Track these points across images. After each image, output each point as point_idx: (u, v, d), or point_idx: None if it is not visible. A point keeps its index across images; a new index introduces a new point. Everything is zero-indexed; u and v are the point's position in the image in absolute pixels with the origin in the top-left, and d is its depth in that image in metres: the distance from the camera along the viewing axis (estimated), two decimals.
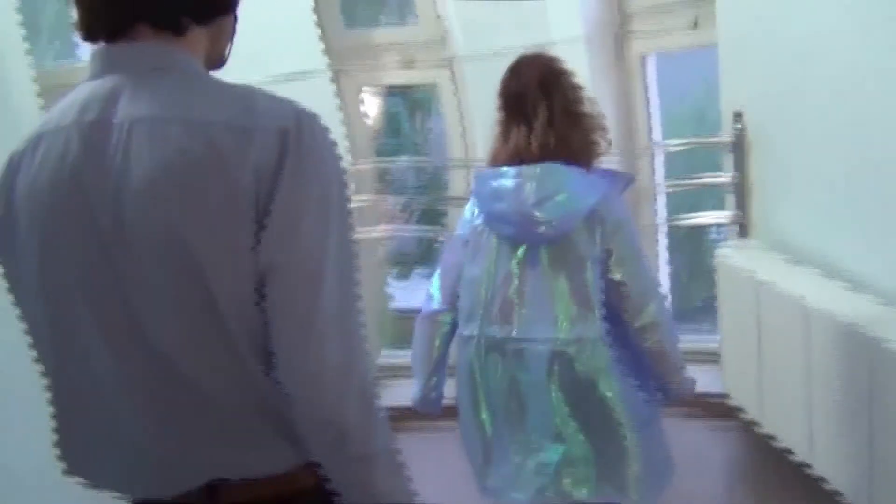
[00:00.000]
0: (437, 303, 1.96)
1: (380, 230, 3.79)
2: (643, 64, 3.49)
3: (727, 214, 3.15)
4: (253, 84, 1.01)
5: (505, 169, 1.81)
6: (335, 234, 0.95)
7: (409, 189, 4.36)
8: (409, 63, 3.68)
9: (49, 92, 2.56)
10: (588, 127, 1.82)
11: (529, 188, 1.75)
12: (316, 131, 0.96)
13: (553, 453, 1.80)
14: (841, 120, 2.42)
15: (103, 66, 1.00)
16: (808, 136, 2.62)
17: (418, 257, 4.37)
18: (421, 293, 2.11)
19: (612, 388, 1.76)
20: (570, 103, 1.82)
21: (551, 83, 1.81)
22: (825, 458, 2.37)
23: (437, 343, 1.96)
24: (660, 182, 3.58)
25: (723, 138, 3.05)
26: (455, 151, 3.74)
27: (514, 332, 1.79)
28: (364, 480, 0.98)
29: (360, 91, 3.79)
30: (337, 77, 3.65)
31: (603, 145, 1.84)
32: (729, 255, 2.97)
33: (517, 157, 1.80)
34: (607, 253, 1.73)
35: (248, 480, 1.01)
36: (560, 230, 1.73)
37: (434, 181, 4.36)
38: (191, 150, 0.90)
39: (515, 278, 1.78)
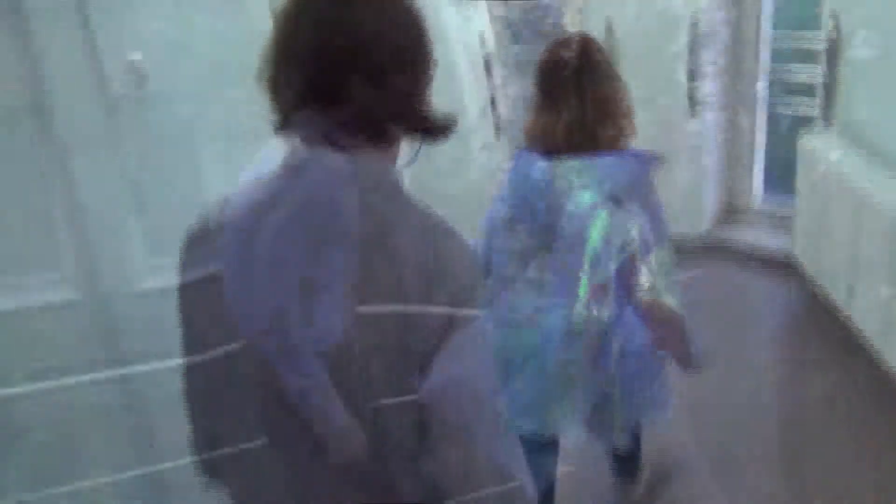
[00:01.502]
0: None
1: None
2: None
3: (815, 105, 3.68)
4: None
5: (539, 162, 1.82)
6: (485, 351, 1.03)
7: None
8: None
9: None
10: (618, 119, 1.81)
11: (559, 184, 1.78)
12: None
13: (543, 397, 1.91)
14: None
15: (306, 167, 0.93)
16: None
17: None
18: None
19: (611, 365, 1.87)
20: (604, 94, 1.80)
21: (587, 72, 1.79)
22: (860, 311, 3.11)
23: None
24: (763, 68, 4.10)
25: (820, 38, 3.53)
26: None
27: (531, 307, 1.87)
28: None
29: None
30: None
31: (631, 134, 1.85)
32: (811, 141, 3.56)
33: (545, 142, 1.83)
34: (627, 236, 1.78)
35: None
36: (584, 220, 1.77)
37: None
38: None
39: (539, 258, 1.85)
